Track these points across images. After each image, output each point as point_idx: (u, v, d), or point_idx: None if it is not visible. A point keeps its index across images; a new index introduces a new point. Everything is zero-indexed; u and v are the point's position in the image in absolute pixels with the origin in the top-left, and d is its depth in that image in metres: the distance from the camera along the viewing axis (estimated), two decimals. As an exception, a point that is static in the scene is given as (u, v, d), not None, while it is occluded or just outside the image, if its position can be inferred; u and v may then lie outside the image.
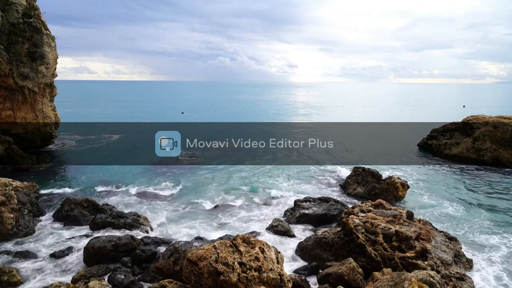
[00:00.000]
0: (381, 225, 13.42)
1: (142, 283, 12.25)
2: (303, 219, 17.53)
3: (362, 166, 23.78)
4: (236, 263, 9.83)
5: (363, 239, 12.80)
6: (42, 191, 21.17)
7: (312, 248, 13.83)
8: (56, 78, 32.17)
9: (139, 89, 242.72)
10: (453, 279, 11.57)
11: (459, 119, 36.31)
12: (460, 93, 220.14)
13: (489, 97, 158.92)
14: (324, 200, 19.17)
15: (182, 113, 75.76)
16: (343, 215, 15.24)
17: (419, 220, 14.92)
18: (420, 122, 58.41)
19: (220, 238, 14.11)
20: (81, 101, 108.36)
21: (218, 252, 10.00)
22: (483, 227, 17.18)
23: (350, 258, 12.16)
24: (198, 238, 15.17)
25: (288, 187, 23.59)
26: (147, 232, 16.47)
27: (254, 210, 19.35)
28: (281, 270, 10.46)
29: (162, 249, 14.18)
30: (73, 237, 15.87)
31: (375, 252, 12.39)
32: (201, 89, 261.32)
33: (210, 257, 9.78)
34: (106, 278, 12.30)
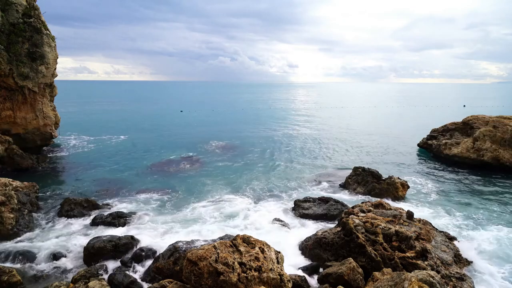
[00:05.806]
0: (381, 225, 13.42)
1: (142, 283, 12.25)
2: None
3: (362, 166, 23.78)
4: (236, 263, 9.83)
5: (363, 239, 12.80)
6: (42, 191, 21.17)
7: (312, 248, 13.83)
8: (56, 78, 32.16)
9: (139, 89, 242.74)
10: (453, 279, 11.56)
11: (459, 119, 36.27)
12: (460, 93, 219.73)
13: (489, 97, 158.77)
14: (324, 200, 19.16)
15: (181, 111, 75.82)
16: (343, 215, 15.24)
17: (419, 220, 14.90)
18: (420, 122, 58.43)
19: (220, 238, 14.10)
20: (82, 101, 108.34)
21: (218, 252, 10.00)
22: (483, 226, 17.16)
23: (350, 258, 12.15)
24: (198, 238, 15.16)
25: (288, 187, 23.58)
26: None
27: (254, 210, 19.33)
28: (281, 270, 10.46)
29: (162, 249, 14.17)
30: (73, 237, 15.88)
31: (375, 252, 12.39)
32: (201, 89, 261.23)
33: (210, 257, 9.78)
34: (106, 278, 12.29)
